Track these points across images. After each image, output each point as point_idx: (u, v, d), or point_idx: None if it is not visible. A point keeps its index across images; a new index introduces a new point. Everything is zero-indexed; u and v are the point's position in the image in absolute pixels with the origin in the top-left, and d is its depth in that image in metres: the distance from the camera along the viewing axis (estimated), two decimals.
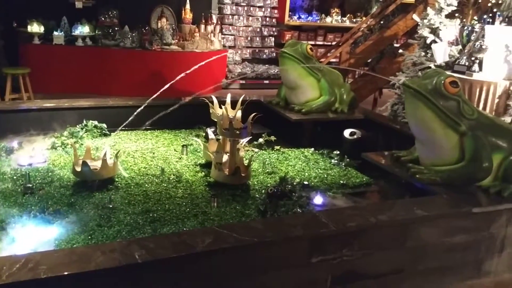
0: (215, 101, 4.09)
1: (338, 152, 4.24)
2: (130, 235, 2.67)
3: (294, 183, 3.33)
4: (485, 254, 2.98)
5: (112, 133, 4.34)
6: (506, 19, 4.95)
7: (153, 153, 4.05)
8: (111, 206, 3.01)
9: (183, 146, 4.21)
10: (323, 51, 8.94)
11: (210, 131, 4.01)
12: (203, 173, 3.68)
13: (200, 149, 4.07)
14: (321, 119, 4.82)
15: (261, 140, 4.43)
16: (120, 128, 4.14)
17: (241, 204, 3.16)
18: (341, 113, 4.93)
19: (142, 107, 3.90)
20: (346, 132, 4.52)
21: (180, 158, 3.98)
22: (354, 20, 10.16)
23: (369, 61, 8.05)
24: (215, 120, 3.92)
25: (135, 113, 3.88)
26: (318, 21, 10.01)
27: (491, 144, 3.11)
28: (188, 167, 3.79)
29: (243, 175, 3.41)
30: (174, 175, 3.57)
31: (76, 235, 2.65)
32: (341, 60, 7.77)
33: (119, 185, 3.36)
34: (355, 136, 4.48)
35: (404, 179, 3.37)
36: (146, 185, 3.38)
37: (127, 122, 3.93)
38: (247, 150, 4.05)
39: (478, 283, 2.96)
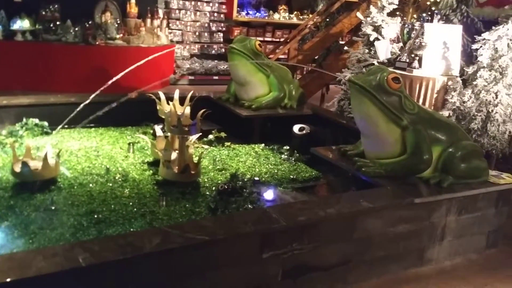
0: (163, 97, 4.00)
1: (288, 147, 4.30)
2: (73, 237, 2.56)
3: (245, 179, 3.33)
4: (427, 243, 3.12)
5: (53, 132, 4.14)
6: (444, 17, 5.20)
7: (98, 152, 3.90)
8: (53, 207, 2.88)
9: (129, 144, 4.09)
10: (272, 48, 9.00)
11: (157, 128, 3.92)
12: (150, 171, 3.60)
13: (147, 146, 3.97)
14: (271, 115, 4.86)
15: (211, 136, 4.39)
16: (61, 126, 3.94)
17: (191, 202, 3.11)
18: (290, 109, 5.00)
19: (84, 104, 3.73)
20: (295, 128, 4.58)
21: (126, 157, 3.87)
22: (301, 17, 10.30)
23: (316, 57, 8.19)
24: (163, 116, 3.84)
25: (77, 110, 3.71)
26: (266, 18, 10.06)
27: (430, 137, 3.26)
28: (135, 166, 3.69)
29: (192, 172, 3.36)
30: (120, 174, 3.47)
31: (16, 239, 2.51)
32: (289, 56, 7.84)
33: (61, 185, 3.21)
34: (304, 132, 4.55)
35: (351, 172, 3.46)
36: (91, 185, 3.26)
37: (68, 119, 3.76)
38: (197, 147, 4.00)
39: (421, 271, 3.09)
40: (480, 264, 3.24)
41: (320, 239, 2.62)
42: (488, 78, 4.52)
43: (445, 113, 4.67)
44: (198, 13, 9.37)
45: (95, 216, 2.82)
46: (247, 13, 10.00)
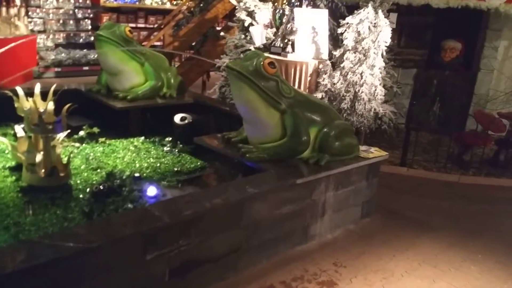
0: (21, 93, 3.52)
1: (170, 139, 4.14)
2: None
3: (124, 177, 3.12)
4: (310, 220, 3.25)
5: None
6: (312, 2, 5.42)
7: None
8: None
9: None
10: (146, 34, 8.62)
11: (18, 128, 3.47)
12: (13, 177, 3.21)
13: (7, 149, 3.53)
14: (149, 106, 4.64)
15: (82, 133, 4.03)
16: None
17: (62, 208, 2.82)
18: (170, 98, 4.82)
19: None
20: (177, 118, 4.43)
21: None
22: (175, 2, 10.04)
23: (193, 44, 8.03)
24: (23, 115, 3.39)
25: None
26: (137, 3, 9.60)
27: (307, 119, 3.38)
28: None
29: (61, 175, 3.05)
30: None
31: None
32: (165, 43, 7.57)
33: None
34: (186, 121, 4.42)
35: (236, 159, 3.44)
36: None
37: None
38: (66, 146, 3.63)
39: (306, 247, 3.21)
40: (358, 234, 3.49)
41: (208, 231, 2.55)
42: (353, 60, 4.84)
43: (319, 95, 4.90)
44: None
45: None
46: None
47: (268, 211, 2.93)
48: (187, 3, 7.88)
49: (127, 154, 3.79)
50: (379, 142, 5.24)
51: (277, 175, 3.08)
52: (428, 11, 5.50)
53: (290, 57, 5.10)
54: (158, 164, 3.65)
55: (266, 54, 3.97)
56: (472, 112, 5.65)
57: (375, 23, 4.76)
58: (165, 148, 4.01)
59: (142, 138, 4.19)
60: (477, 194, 4.44)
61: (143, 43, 7.11)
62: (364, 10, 4.77)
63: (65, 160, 3.16)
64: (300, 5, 5.41)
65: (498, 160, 5.12)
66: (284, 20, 5.29)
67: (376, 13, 4.75)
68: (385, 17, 4.78)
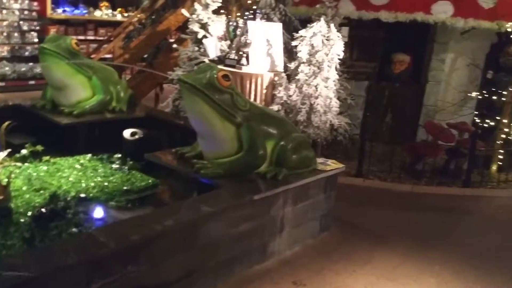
0: None
1: (119, 156, 3.93)
2: None
3: (68, 198, 2.90)
4: (268, 237, 3.16)
5: None
6: (265, 15, 5.42)
7: None
8: None
9: None
10: (95, 47, 8.34)
11: None
12: None
13: None
14: (97, 121, 4.43)
15: (24, 151, 3.75)
16: None
17: (1, 234, 2.58)
18: (120, 112, 4.62)
19: None
20: (126, 133, 4.23)
21: None
22: (126, 14, 9.81)
23: (146, 56, 7.83)
24: None
25: None
26: (87, 15, 9.31)
27: (263, 133, 3.31)
28: None
29: (0, 197, 2.78)
30: None
31: None
32: (115, 55, 7.33)
33: None
34: (136, 136, 4.23)
35: (190, 175, 3.31)
36: None
37: None
38: (7, 166, 3.35)
39: (264, 266, 3.11)
40: (317, 249, 3.43)
41: (159, 255, 2.40)
42: (308, 72, 4.85)
43: (275, 107, 4.87)
44: (4, 11, 8.26)
45: None
46: (64, 10, 9.08)
47: (224, 230, 2.81)
48: (138, 15, 7.70)
49: (73, 173, 3.55)
50: (335, 154, 5.25)
51: (233, 191, 2.98)
52: (378, 25, 5.63)
53: (245, 69, 5.05)
54: (106, 183, 3.44)
55: (220, 67, 3.88)
56: (423, 123, 5.80)
57: (328, 37, 4.80)
58: (113, 166, 3.79)
59: (89, 155, 3.95)
60: (430, 204, 4.52)
61: (92, 56, 6.84)
62: (316, 24, 4.80)
63: (4, 181, 2.91)
64: (254, 19, 5.39)
65: (449, 169, 5.26)
66: (238, 33, 5.24)
67: (329, 26, 4.79)
68: (337, 31, 4.83)
